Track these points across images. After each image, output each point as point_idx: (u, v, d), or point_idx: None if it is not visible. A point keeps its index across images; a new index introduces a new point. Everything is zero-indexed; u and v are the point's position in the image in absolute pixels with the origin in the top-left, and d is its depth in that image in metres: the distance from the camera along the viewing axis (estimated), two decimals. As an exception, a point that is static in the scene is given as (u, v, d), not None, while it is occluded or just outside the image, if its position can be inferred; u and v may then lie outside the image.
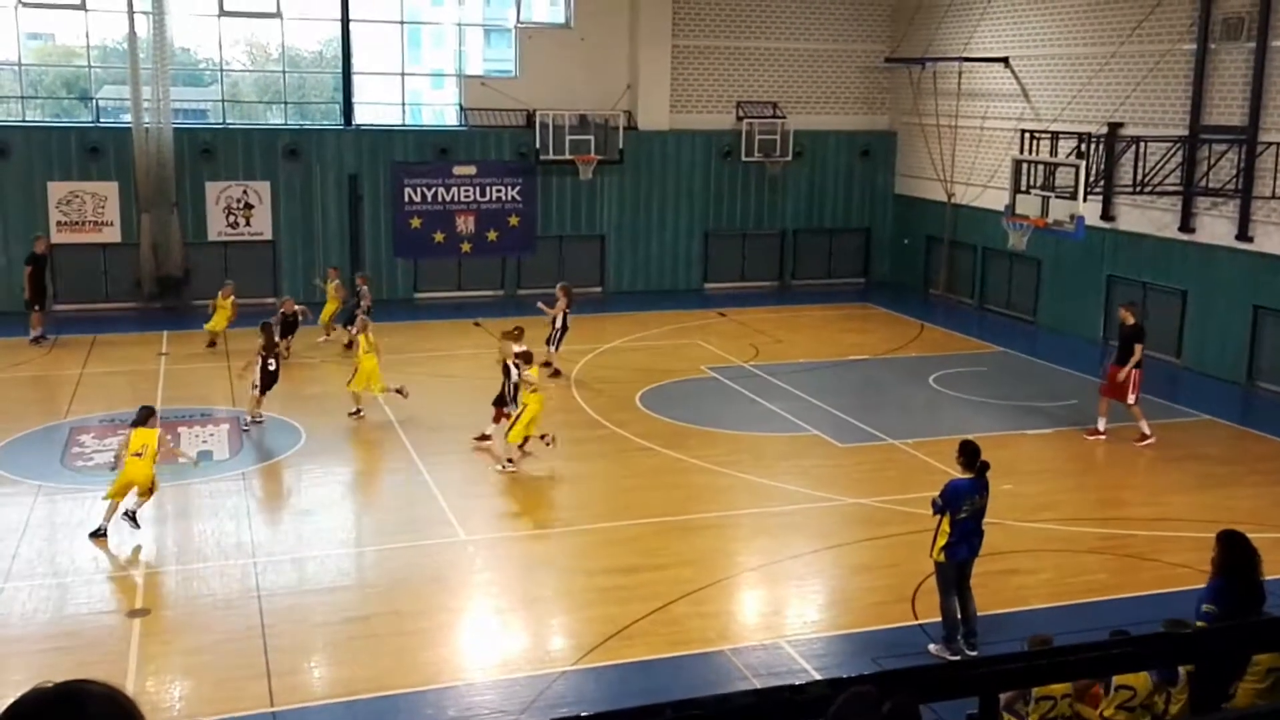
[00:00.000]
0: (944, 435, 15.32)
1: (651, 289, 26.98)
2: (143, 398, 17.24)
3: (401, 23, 25.60)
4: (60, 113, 25.28)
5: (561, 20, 26.47)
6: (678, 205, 27.11)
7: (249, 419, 16.09)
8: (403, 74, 25.89)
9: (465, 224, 25.77)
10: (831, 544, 12.51)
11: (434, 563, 11.91)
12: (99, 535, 12.07)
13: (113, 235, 23.67)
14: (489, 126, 25.80)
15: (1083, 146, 20.13)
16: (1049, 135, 21.33)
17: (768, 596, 11.52)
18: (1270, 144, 18.72)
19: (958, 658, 9.59)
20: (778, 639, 10.31)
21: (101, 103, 24.61)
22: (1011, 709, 7.06)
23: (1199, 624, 7.05)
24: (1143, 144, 20.23)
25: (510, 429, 14.53)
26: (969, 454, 9.99)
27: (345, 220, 24.96)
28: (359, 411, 16.65)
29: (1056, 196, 19.10)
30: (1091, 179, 19.53)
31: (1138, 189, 20.18)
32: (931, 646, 10.05)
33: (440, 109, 27.27)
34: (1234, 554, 7.29)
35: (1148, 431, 15.98)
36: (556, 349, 19.51)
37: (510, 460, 14.49)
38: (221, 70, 25.46)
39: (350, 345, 20.45)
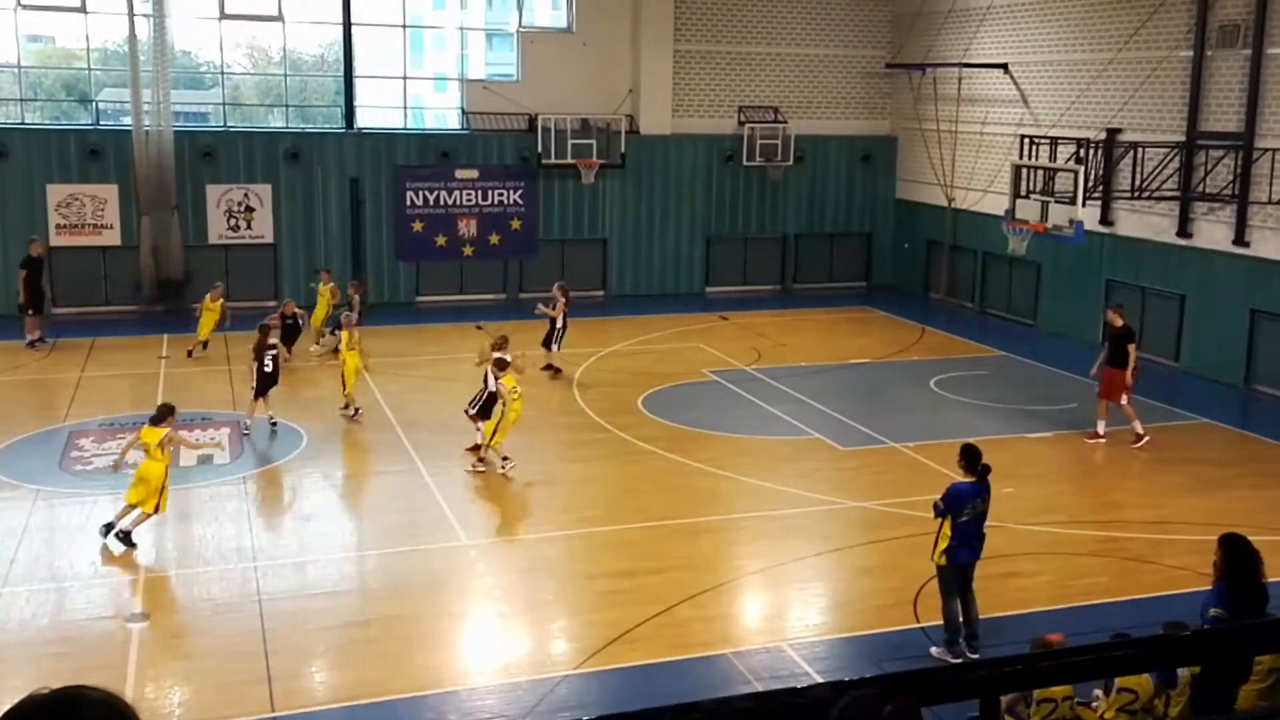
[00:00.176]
0: (945, 438, 15.33)
1: (653, 293, 27.01)
2: (142, 402, 17.29)
3: (403, 26, 25.63)
4: (60, 115, 25.30)
5: (563, 24, 26.51)
6: (679, 209, 27.14)
7: (248, 422, 16.08)
8: (404, 77, 25.92)
9: (467, 227, 25.80)
10: (833, 547, 12.52)
11: (435, 567, 11.92)
12: (127, 542, 11.89)
13: (112, 238, 23.68)
14: (491, 130, 25.84)
15: (1081, 152, 20.17)
16: (1048, 140, 21.37)
17: (770, 600, 11.53)
18: (1266, 150, 18.77)
19: (959, 660, 9.61)
20: (780, 642, 10.32)
21: (101, 105, 24.62)
22: (1013, 712, 7.08)
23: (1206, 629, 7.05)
24: (1141, 149, 20.28)
25: (493, 434, 14.49)
26: (970, 457, 10.01)
27: (347, 224, 24.99)
28: (357, 411, 16.66)
29: (1056, 201, 19.16)
30: (1090, 184, 19.57)
31: (1136, 194, 20.22)
32: (933, 649, 10.06)
33: (442, 112, 27.31)
34: (1236, 557, 7.30)
35: (1141, 431, 16.09)
36: (558, 348, 19.57)
37: (485, 462, 14.45)
38: (223, 73, 25.49)
39: (336, 350, 20.47)
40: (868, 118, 28.44)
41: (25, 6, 23.37)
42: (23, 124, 23.74)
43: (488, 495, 14.22)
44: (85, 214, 23.51)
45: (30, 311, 20.64)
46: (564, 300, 19.62)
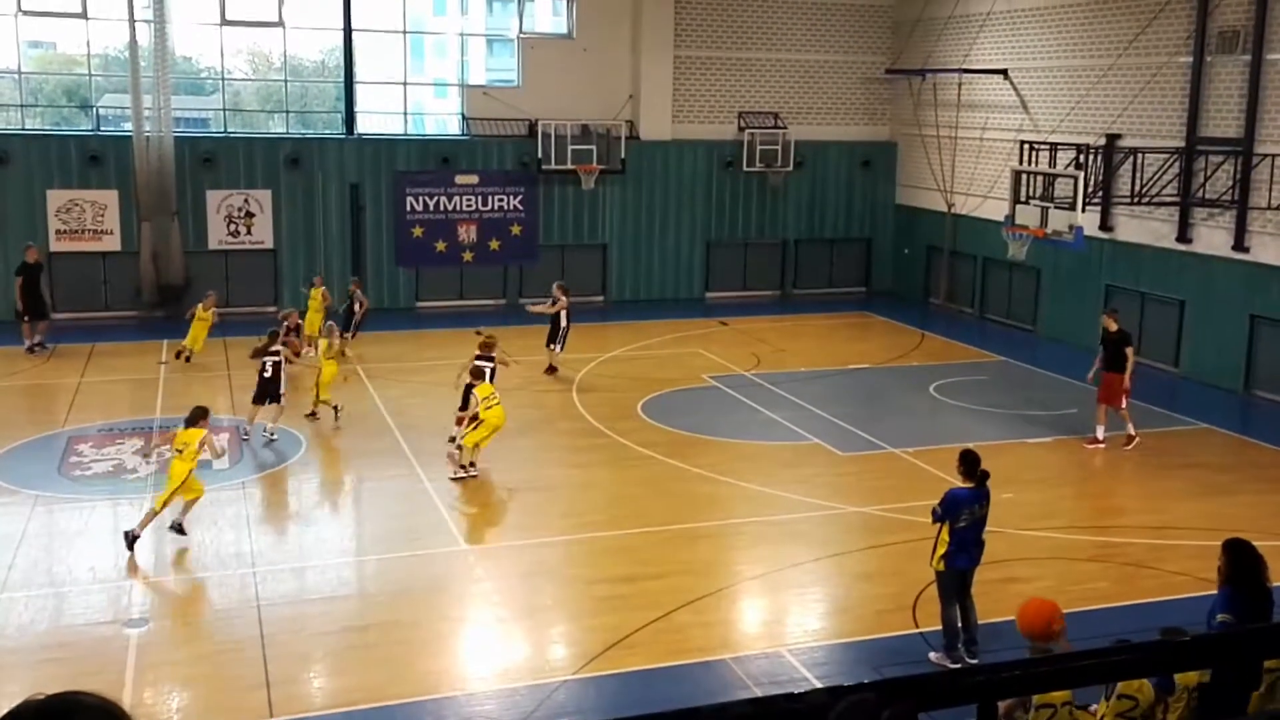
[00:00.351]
0: (945, 444, 15.32)
1: (653, 298, 27.02)
2: (142, 407, 17.33)
3: (404, 32, 25.66)
4: (60, 121, 25.32)
5: (564, 30, 26.55)
6: (679, 215, 27.16)
7: (247, 428, 16.06)
8: (405, 83, 25.95)
9: (467, 233, 25.81)
10: (832, 552, 12.51)
11: (434, 572, 11.91)
12: (131, 541, 11.92)
13: (112, 244, 23.68)
14: (491, 136, 25.86)
15: (1081, 157, 20.19)
16: (1048, 146, 21.39)
17: (769, 605, 11.52)
18: (1266, 155, 18.79)
19: (958, 666, 9.59)
20: (779, 648, 10.31)
21: (102, 111, 24.62)
22: (1011, 717, 7.05)
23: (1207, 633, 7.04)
24: (1140, 155, 20.30)
25: (470, 434, 14.46)
26: (969, 463, 10.01)
27: (347, 229, 25.00)
28: (336, 410, 16.71)
29: (1055, 207, 19.18)
30: (1090, 190, 19.59)
31: (1135, 200, 20.24)
32: (932, 655, 10.05)
33: (442, 118, 27.33)
34: (1241, 562, 7.28)
35: (1133, 433, 16.19)
36: (560, 349, 19.63)
37: (463, 467, 14.43)
38: (223, 79, 25.51)
39: (344, 353, 20.47)
40: (868, 123, 28.46)
41: (26, 12, 23.39)
42: (23, 130, 23.74)
43: (487, 500, 14.22)
44: (85, 219, 23.51)
45: (27, 318, 20.57)
46: (564, 299, 19.66)
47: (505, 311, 25.16)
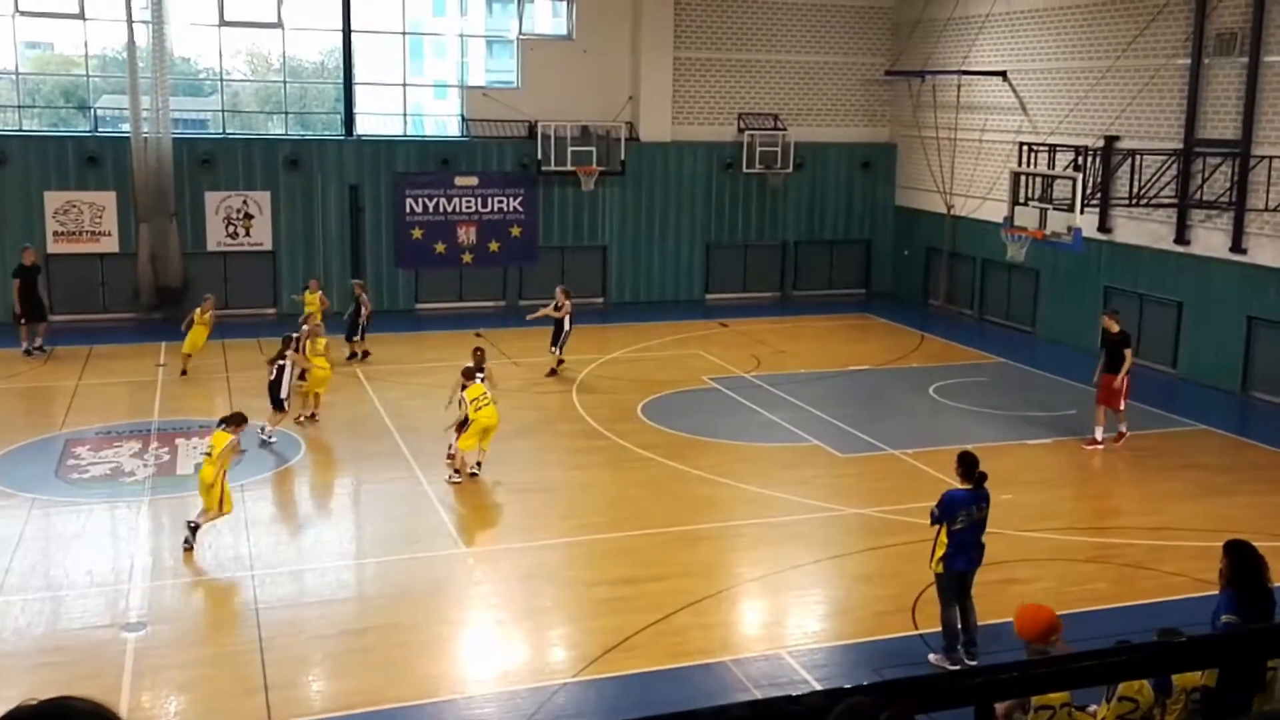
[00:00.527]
0: (944, 445, 15.32)
1: (653, 300, 27.01)
2: (140, 410, 17.31)
3: (403, 33, 25.66)
4: (58, 122, 25.30)
5: (563, 32, 26.55)
6: (679, 216, 27.16)
7: (270, 429, 16.04)
8: (404, 84, 25.94)
9: (467, 235, 25.80)
10: (832, 554, 12.50)
11: (433, 574, 11.89)
12: (188, 546, 12.06)
13: (110, 245, 23.65)
14: (491, 137, 25.86)
15: (1080, 159, 20.20)
16: (1047, 148, 21.39)
17: (769, 607, 11.51)
18: (1263, 157, 18.81)
19: (957, 668, 9.58)
20: (779, 650, 10.30)
21: (100, 112, 24.62)
22: (1010, 719, 7.04)
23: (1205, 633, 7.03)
24: (1138, 157, 20.32)
25: (461, 439, 14.45)
26: (967, 465, 10.01)
27: (346, 231, 24.99)
28: (309, 416, 16.73)
29: (1054, 209, 19.18)
30: (1088, 191, 19.60)
31: (1134, 201, 20.25)
32: (931, 656, 10.05)
33: (442, 119, 27.32)
34: (1243, 563, 7.29)
35: (1124, 430, 16.35)
36: (561, 351, 19.67)
37: (457, 471, 14.43)
38: (222, 80, 25.49)
39: (351, 356, 20.47)
40: (867, 125, 28.46)
41: (24, 13, 23.37)
42: (21, 131, 23.72)
43: (486, 502, 14.21)
44: (83, 221, 23.48)
45: (24, 320, 20.52)
46: (568, 302, 19.71)
47: (505, 313, 25.15)
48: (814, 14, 27.56)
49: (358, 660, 10.01)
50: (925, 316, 26.21)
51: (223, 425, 12.44)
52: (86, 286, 23.69)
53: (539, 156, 25.36)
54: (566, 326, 19.69)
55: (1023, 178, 20.31)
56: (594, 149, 25.60)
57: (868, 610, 11.13)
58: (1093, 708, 7.42)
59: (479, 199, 25.79)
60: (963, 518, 9.82)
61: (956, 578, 9.93)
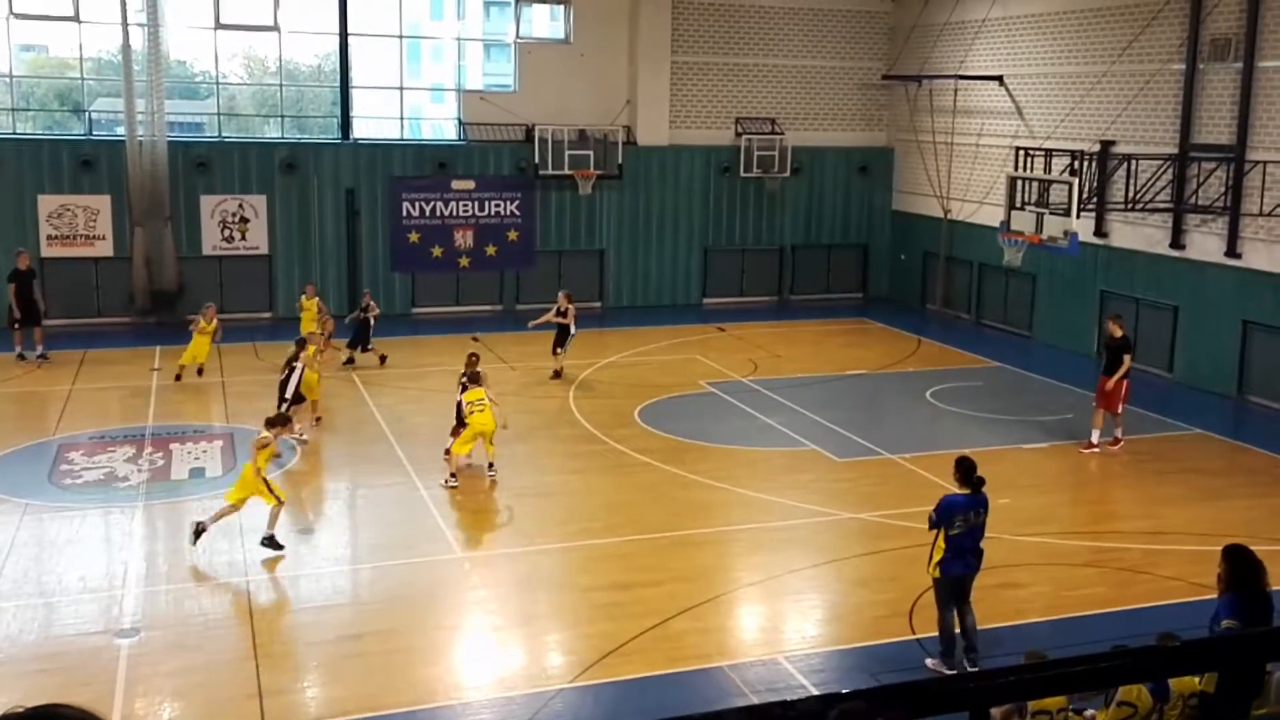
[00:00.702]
0: (941, 450, 15.31)
1: (650, 304, 27.00)
2: (134, 415, 17.26)
3: (400, 37, 25.65)
4: (53, 125, 25.26)
5: (561, 35, 26.55)
6: (677, 220, 27.15)
7: (303, 432, 16.07)
8: (401, 88, 25.93)
9: (464, 238, 25.78)
10: (829, 559, 12.48)
11: (429, 580, 11.86)
12: (274, 545, 12.17)
13: (105, 249, 23.59)
14: (488, 141, 25.84)
15: (1076, 164, 20.21)
16: (1043, 153, 21.40)
17: (766, 612, 11.48)
18: (1258, 162, 18.86)
19: (955, 673, 9.55)
20: (776, 655, 10.27)
21: (95, 115, 24.57)
22: (1008, 725, 7.02)
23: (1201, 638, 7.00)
24: (1134, 162, 20.34)
25: (455, 443, 14.45)
26: (964, 469, 9.99)
27: (343, 234, 24.97)
28: (315, 420, 16.77)
29: (1051, 213, 19.18)
30: (1085, 196, 19.61)
31: (1129, 206, 20.28)
32: (929, 661, 10.02)
33: (439, 123, 27.31)
34: (1241, 568, 7.28)
35: (1120, 434, 16.39)
36: (563, 352, 19.65)
37: (454, 475, 14.41)
38: (218, 83, 25.46)
39: (348, 362, 20.41)
40: (864, 129, 28.49)
41: (18, 15, 23.34)
42: (14, 134, 23.67)
43: (482, 507, 14.17)
44: (77, 225, 23.43)
45: (18, 325, 20.44)
46: (571, 306, 19.74)
47: (502, 317, 25.14)
48: (811, 19, 27.58)
49: (353, 666, 9.97)
50: (922, 321, 26.22)
51: (267, 426, 12.74)
52: (81, 290, 23.62)
53: (536, 160, 25.35)
54: (573, 330, 19.73)
55: (1019, 182, 20.31)
56: (591, 153, 25.59)
57: (865, 615, 11.11)
58: (1090, 712, 7.40)
59: (476, 203, 25.78)
60: (960, 522, 9.80)
61: (953, 582, 9.91)
